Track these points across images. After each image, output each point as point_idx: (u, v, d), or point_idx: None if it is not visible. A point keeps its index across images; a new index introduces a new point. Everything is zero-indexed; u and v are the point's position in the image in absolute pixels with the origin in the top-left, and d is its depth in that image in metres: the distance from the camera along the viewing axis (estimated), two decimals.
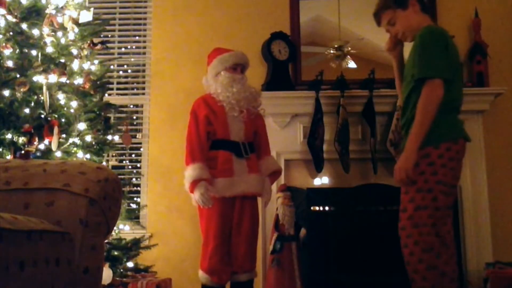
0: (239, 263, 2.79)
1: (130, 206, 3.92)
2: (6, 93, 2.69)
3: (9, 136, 2.66)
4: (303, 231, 3.39)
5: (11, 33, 2.80)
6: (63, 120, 2.93)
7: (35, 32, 2.89)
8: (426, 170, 2.26)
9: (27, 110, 2.74)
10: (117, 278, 3.14)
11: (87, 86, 3.12)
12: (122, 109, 3.87)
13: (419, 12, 2.48)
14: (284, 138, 3.80)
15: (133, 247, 3.41)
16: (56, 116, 2.87)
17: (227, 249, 2.79)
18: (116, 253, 3.24)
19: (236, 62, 2.90)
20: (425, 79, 2.28)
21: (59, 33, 3.02)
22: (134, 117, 4.17)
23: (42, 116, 2.80)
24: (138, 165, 4.07)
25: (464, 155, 2.37)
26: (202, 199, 2.69)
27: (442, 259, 2.23)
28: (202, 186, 2.69)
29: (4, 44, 2.74)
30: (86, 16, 3.19)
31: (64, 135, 2.90)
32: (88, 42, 3.23)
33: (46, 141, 2.78)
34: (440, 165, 2.25)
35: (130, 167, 4.14)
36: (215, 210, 2.75)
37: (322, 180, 3.85)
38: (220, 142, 2.82)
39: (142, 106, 4.16)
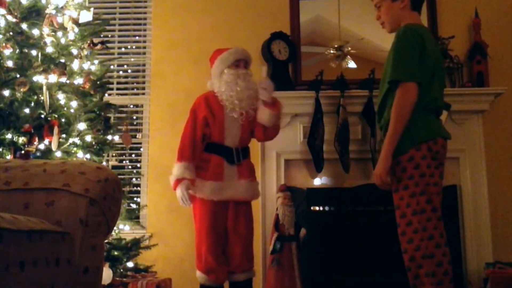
0: (236, 263, 2.80)
1: (130, 206, 3.92)
2: (6, 93, 2.69)
3: (9, 136, 2.66)
4: (303, 231, 3.39)
5: (11, 33, 2.80)
6: (63, 120, 2.93)
7: (35, 32, 2.89)
8: (414, 173, 2.26)
9: (27, 110, 2.74)
10: (117, 278, 3.14)
11: (87, 86, 3.12)
12: (122, 109, 3.88)
13: (406, 9, 2.45)
14: (284, 138, 3.79)
15: (133, 247, 3.41)
16: (56, 116, 2.87)
17: (221, 248, 2.80)
18: (116, 253, 3.24)
19: (237, 58, 2.90)
20: (399, 82, 2.28)
21: (59, 33, 3.02)
22: (134, 117, 4.17)
23: (42, 116, 2.80)
24: (138, 165, 4.07)
25: (445, 154, 2.37)
26: (181, 197, 2.73)
27: (446, 258, 2.22)
28: (184, 185, 2.72)
29: (4, 44, 2.74)
30: (86, 16, 3.19)
31: (64, 135, 2.90)
32: (88, 42, 3.23)
33: (46, 141, 2.78)
34: (425, 166, 2.25)
35: (130, 167, 4.13)
36: (207, 211, 2.78)
37: (322, 180, 3.85)
38: (214, 146, 2.84)
39: (142, 106, 4.16)
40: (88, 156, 3.02)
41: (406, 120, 2.25)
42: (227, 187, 2.78)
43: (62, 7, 3.06)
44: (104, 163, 3.34)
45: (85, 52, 3.21)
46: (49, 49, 2.93)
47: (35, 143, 2.70)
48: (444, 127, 2.45)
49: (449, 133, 2.43)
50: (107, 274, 2.90)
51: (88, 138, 3.04)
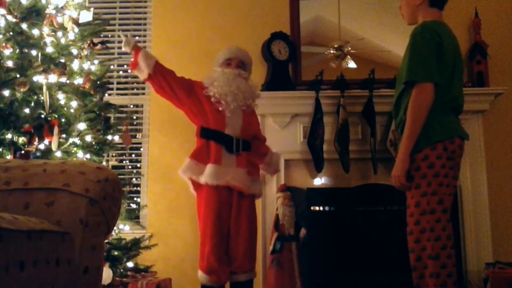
0: (238, 263, 2.80)
1: (130, 206, 3.93)
2: (6, 93, 2.68)
3: (9, 136, 2.65)
4: (303, 231, 3.39)
5: (11, 33, 2.80)
6: (63, 120, 2.93)
7: (35, 32, 2.89)
8: (427, 173, 2.24)
9: (27, 110, 2.74)
10: (117, 278, 3.14)
11: (87, 86, 3.12)
12: (122, 109, 3.87)
13: (424, 5, 2.45)
14: (284, 138, 3.80)
15: (133, 247, 3.41)
16: (56, 116, 2.87)
17: (224, 248, 2.80)
18: (116, 253, 3.24)
19: (227, 57, 2.93)
20: (414, 82, 2.27)
21: (59, 33, 3.01)
22: (134, 117, 4.17)
23: (42, 116, 2.80)
24: (138, 165, 4.07)
25: (462, 154, 2.36)
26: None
27: (451, 260, 2.22)
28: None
29: (4, 44, 2.74)
30: (86, 16, 3.19)
31: (64, 135, 2.90)
32: (88, 42, 3.22)
33: (46, 141, 2.77)
34: (440, 166, 2.24)
35: (130, 167, 4.14)
36: (211, 210, 2.78)
37: (322, 180, 3.85)
38: (214, 132, 2.84)
39: (142, 106, 4.16)
40: (88, 156, 3.02)
41: (422, 121, 2.23)
42: (224, 172, 2.78)
43: (62, 7, 3.05)
44: (104, 163, 3.33)
45: (85, 52, 3.21)
46: (49, 49, 2.92)
47: (35, 143, 2.70)
48: (462, 127, 2.43)
49: (467, 133, 2.41)
50: (107, 274, 2.90)
51: (88, 138, 3.04)
